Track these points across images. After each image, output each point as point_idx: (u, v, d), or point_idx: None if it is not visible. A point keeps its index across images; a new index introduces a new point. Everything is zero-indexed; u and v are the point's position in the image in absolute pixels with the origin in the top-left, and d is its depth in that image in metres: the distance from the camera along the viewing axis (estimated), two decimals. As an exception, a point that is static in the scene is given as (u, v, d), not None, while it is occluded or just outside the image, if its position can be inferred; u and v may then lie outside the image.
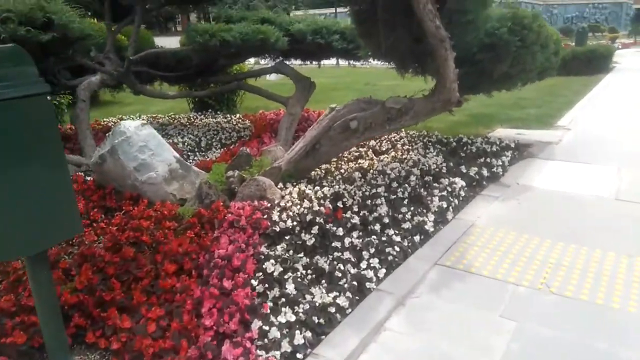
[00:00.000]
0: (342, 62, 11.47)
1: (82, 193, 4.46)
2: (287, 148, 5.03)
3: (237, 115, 8.27)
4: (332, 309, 2.59)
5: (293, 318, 2.51)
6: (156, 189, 4.19)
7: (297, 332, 2.39)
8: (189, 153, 5.99)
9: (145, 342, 2.35)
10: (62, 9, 4.74)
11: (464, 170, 4.86)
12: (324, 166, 5.08)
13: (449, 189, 4.31)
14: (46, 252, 2.23)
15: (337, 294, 2.76)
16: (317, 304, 2.60)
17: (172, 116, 8.36)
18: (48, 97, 2.07)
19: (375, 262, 3.12)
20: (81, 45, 5.23)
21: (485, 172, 4.87)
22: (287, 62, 6.97)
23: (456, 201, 4.19)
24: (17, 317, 2.54)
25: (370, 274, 2.96)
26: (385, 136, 6.47)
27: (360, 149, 5.83)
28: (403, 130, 6.73)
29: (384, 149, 5.84)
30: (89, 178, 4.70)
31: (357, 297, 2.82)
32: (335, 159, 5.40)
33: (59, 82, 6.34)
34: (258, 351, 2.29)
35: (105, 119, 8.19)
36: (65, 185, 2.18)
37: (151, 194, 4.21)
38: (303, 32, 6.17)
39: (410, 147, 5.82)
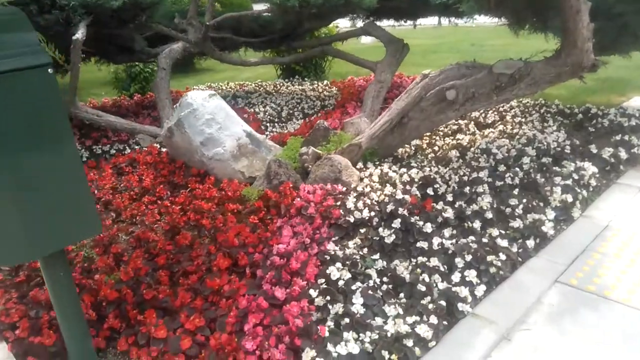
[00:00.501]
0: (444, 21, 10.33)
1: (154, 166, 4.22)
2: (373, 120, 4.37)
3: (325, 82, 7.70)
4: (409, 342, 1.97)
5: (356, 349, 1.94)
6: (223, 165, 3.80)
7: (360, 370, 1.83)
8: (268, 124, 5.56)
9: (175, 362, 1.94)
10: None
11: (594, 151, 3.86)
12: (413, 142, 4.35)
13: (575, 176, 3.39)
14: (62, 253, 1.86)
15: (418, 317, 2.13)
16: (388, 334, 2.00)
17: (259, 84, 8.01)
18: (50, 70, 1.65)
19: (472, 274, 2.42)
20: (154, 11, 4.93)
21: (622, 154, 3.82)
22: (380, 23, 6.21)
23: (584, 192, 3.28)
24: (44, 314, 2.26)
25: (464, 291, 2.28)
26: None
27: (460, 121, 4.98)
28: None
29: (489, 122, 4.93)
30: (164, 150, 4.45)
31: (444, 322, 2.17)
32: (428, 134, 4.64)
33: (142, 50, 6.21)
34: (307, 394, 1.77)
35: (195, 87, 8.09)
36: (77, 177, 1.78)
37: (218, 171, 3.83)
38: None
39: (523, 120, 4.85)
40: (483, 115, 5.13)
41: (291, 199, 3.25)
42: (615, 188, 3.46)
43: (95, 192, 3.87)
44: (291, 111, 5.96)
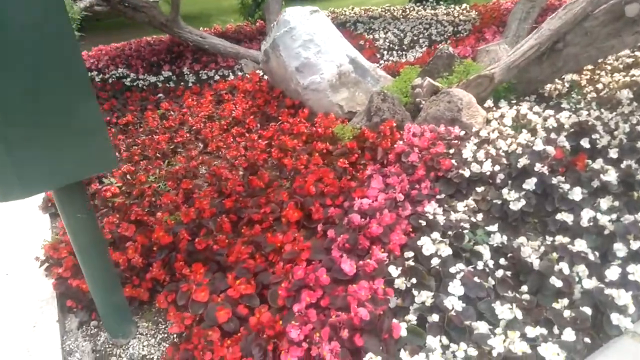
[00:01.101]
0: None
1: (252, 95, 3.84)
2: (515, 47, 3.41)
3: (463, 6, 6.55)
4: (525, 367, 1.31)
5: (442, 365, 1.34)
6: (319, 97, 3.24)
7: (442, 399, 1.23)
8: (385, 52, 4.81)
9: (205, 336, 1.53)
10: None
11: None
12: (568, 77, 3.32)
13: None
14: (78, 190, 1.51)
15: (545, 330, 1.43)
16: (494, 353, 1.35)
17: (386, 8, 7.13)
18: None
19: (639, 271, 1.61)
20: None
21: None
22: None
23: None
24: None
25: (623, 296, 1.50)
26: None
27: (637, 53, 3.73)
28: None
29: (683, 54, 3.61)
30: (266, 77, 4.03)
31: (585, 340, 1.45)
32: (589, 66, 3.53)
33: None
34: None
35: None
36: (88, 105, 1.39)
37: (313, 103, 3.29)
38: None
39: None
40: (675, 44, 3.78)
41: (391, 141, 2.61)
42: None
43: (190, 119, 3.62)
44: (415, 38, 5.10)
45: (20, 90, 1.26)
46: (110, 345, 1.76)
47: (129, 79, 4.56)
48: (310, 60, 3.20)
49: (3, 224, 2.59)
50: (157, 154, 3.13)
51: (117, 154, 3.12)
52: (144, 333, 1.80)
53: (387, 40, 5.08)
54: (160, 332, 1.80)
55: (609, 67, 3.55)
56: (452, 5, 6.68)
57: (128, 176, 2.80)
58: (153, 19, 3.98)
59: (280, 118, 3.28)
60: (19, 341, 1.74)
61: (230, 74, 4.63)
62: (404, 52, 4.77)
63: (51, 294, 2.00)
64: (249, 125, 3.36)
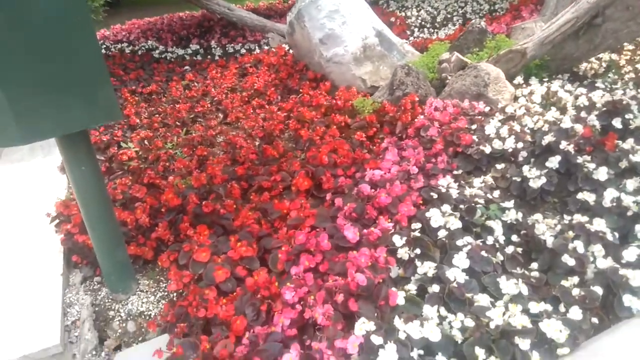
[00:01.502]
0: None
1: (276, 68, 3.80)
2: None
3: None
4: (525, 343, 1.23)
5: (437, 336, 1.27)
6: (342, 70, 3.17)
7: (434, 368, 1.18)
8: (416, 29, 4.66)
9: (201, 294, 1.52)
10: None
11: None
12: (606, 57, 3.13)
13: None
14: (82, 139, 1.51)
15: (550, 306, 1.35)
16: (492, 324, 1.28)
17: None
18: None
19: (660, 254, 1.50)
20: None
21: None
22: None
23: None
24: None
25: (637, 277, 1.40)
26: None
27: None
28: None
29: None
30: (291, 51, 3.98)
31: (593, 320, 1.36)
32: (630, 46, 3.32)
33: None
34: (345, 383, 1.20)
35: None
36: (93, 57, 1.37)
37: (336, 76, 3.22)
38: None
39: None
40: None
41: (412, 115, 2.52)
42: None
43: (212, 90, 3.61)
44: (449, 15, 4.92)
45: (21, 36, 1.25)
46: (109, 300, 1.77)
47: (157, 51, 4.60)
48: (334, 31, 3.12)
49: (25, 183, 2.66)
50: (177, 123, 3.14)
51: (137, 120, 3.14)
52: (145, 290, 1.81)
53: (420, 17, 4.92)
54: (161, 290, 1.81)
55: (653, 47, 3.33)
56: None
57: (146, 142, 2.82)
58: (182, -12, 3.97)
59: (301, 91, 3.23)
60: (23, 291, 1.78)
61: (257, 48, 4.60)
62: (435, 30, 4.62)
63: (59, 249, 2.03)
64: (270, 98, 3.33)
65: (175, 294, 1.76)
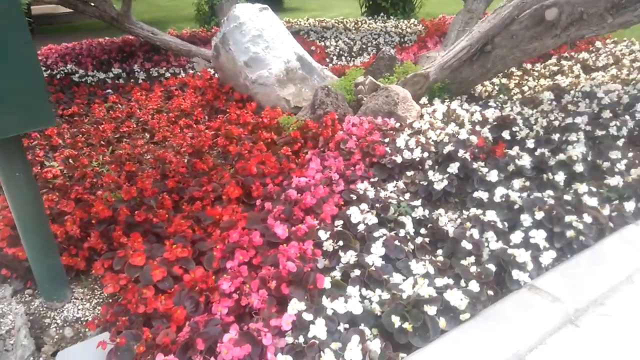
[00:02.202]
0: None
1: (202, 91, 3.91)
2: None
3: (412, 20, 6.91)
4: (432, 309, 1.45)
5: (359, 309, 1.46)
6: (267, 91, 3.37)
7: (357, 338, 1.35)
8: (335, 57, 5.01)
9: (140, 293, 1.60)
10: None
11: None
12: (498, 80, 3.60)
13: None
14: (15, 144, 1.56)
15: (451, 281, 1.59)
16: (404, 295, 1.49)
17: (339, 20, 7.40)
18: None
19: (539, 235, 1.80)
20: None
21: None
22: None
23: None
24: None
25: (523, 255, 1.69)
26: (604, 48, 4.50)
27: (564, 62, 4.10)
28: (636, 42, 4.63)
29: (600, 65, 3.99)
30: (216, 75, 4.12)
31: (489, 292, 1.61)
32: (519, 73, 3.85)
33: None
34: (279, 356, 1.33)
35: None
36: (29, 64, 1.43)
37: (262, 97, 3.41)
38: None
39: (645, 65, 3.86)
40: (593, 57, 4.17)
41: (332, 131, 2.76)
42: None
43: (138, 112, 3.65)
44: (364, 46, 5.34)
45: None
46: (44, 309, 1.78)
47: (77, 75, 4.54)
48: (259, 55, 3.32)
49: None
50: (102, 142, 3.14)
51: (60, 141, 3.11)
52: (80, 298, 1.83)
53: (338, 47, 5.29)
54: (96, 297, 1.84)
55: (535, 74, 3.88)
56: (402, 20, 7.01)
57: (70, 160, 2.81)
58: (104, 13, 4.00)
59: (228, 111, 3.38)
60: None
61: (182, 72, 4.69)
62: (352, 58, 4.98)
63: (-15, 265, 1.99)
64: (197, 117, 3.43)
65: (111, 299, 1.80)
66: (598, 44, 4.66)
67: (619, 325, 1.47)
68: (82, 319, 1.75)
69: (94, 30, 5.23)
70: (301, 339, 1.39)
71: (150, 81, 4.52)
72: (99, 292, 1.87)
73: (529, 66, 4.01)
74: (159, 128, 3.30)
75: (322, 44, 5.53)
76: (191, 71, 4.64)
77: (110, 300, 1.77)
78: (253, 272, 1.64)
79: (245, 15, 3.37)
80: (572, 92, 3.21)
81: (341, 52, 5.20)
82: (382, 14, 7.50)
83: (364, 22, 7.15)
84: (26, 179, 1.61)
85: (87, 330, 1.68)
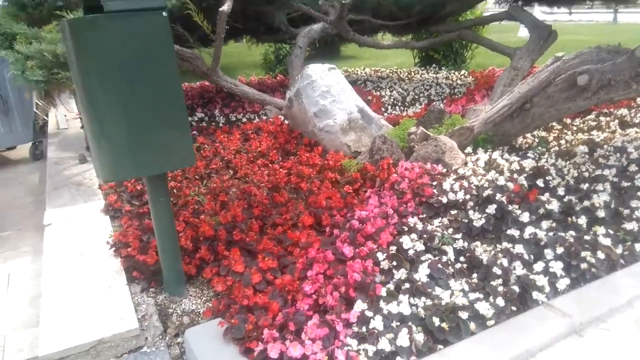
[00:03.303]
0: (623, 17, 9.18)
1: (275, 135, 4.56)
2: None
3: (462, 72, 7.42)
4: (464, 315, 1.90)
5: (408, 311, 1.94)
6: (332, 137, 3.96)
7: (406, 330, 1.82)
8: (389, 107, 5.58)
9: (243, 291, 2.15)
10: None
11: None
12: (539, 133, 4.03)
13: None
14: (163, 178, 2.18)
15: (481, 295, 2.04)
16: (443, 303, 1.96)
17: (393, 70, 8.03)
18: (164, 14, 1.92)
19: (557, 266, 2.22)
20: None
21: None
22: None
23: None
24: (153, 239, 2.64)
25: (542, 280, 2.11)
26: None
27: (602, 118, 4.46)
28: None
29: (637, 121, 4.32)
30: (286, 122, 4.78)
31: (512, 308, 2.04)
32: (559, 127, 4.25)
33: (285, 30, 6.65)
34: (348, 339, 1.83)
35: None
36: (179, 114, 2.06)
37: (327, 143, 4.00)
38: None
39: (682, 122, 4.16)
40: (632, 113, 4.51)
41: (388, 173, 3.28)
42: None
43: (222, 151, 4.33)
44: (417, 96, 5.89)
45: (139, 106, 1.94)
46: (168, 301, 2.36)
47: (168, 117, 5.33)
48: (326, 107, 3.94)
49: (76, 223, 3.24)
50: (196, 177, 3.81)
51: (163, 173, 3.81)
52: (193, 295, 2.41)
53: (392, 97, 5.87)
54: (205, 295, 2.41)
55: (574, 128, 4.27)
56: (453, 71, 7.53)
57: (174, 190, 3.47)
58: (197, 68, 4.78)
59: (298, 153, 3.98)
60: (98, 297, 2.35)
61: (256, 117, 5.39)
62: (405, 108, 5.54)
63: (119, 268, 2.61)
64: (272, 158, 4.06)
65: (216, 297, 2.36)
66: (639, 100, 4.97)
67: (616, 338, 1.86)
68: (195, 310, 2.31)
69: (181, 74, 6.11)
70: (364, 329, 1.88)
71: (229, 125, 5.24)
72: (206, 292, 2.44)
73: (568, 121, 4.40)
74: (240, 166, 3.94)
75: (378, 93, 6.13)
76: (264, 117, 5.33)
77: (218, 296, 2.33)
78: (326, 280, 2.16)
79: (317, 74, 4.01)
80: (605, 146, 3.59)
81: (395, 101, 5.77)
82: (434, 65, 8.05)
83: (416, 72, 7.73)
84: (166, 204, 2.23)
85: (200, 318, 2.24)
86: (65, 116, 6.30)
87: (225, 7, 4.42)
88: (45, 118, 5.79)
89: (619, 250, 2.37)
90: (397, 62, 10.05)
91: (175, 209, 3.16)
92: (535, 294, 2.09)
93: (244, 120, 5.35)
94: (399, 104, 5.70)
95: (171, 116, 2.03)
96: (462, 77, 6.94)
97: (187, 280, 2.51)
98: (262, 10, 5.45)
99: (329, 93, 3.98)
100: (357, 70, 8.27)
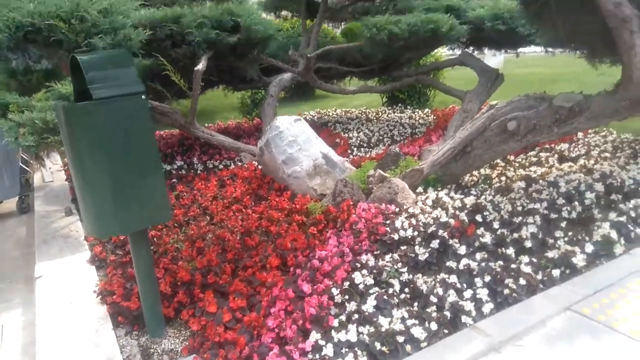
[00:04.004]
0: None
1: (249, 180, 4.94)
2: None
3: (425, 111, 7.97)
4: (401, 338, 2.27)
5: (355, 338, 2.29)
6: (300, 182, 4.36)
7: (352, 355, 2.17)
8: (356, 148, 6.04)
9: (215, 329, 2.48)
10: (247, 11, 5.26)
11: (676, 191, 3.65)
12: (484, 171, 4.49)
13: (633, 214, 3.30)
14: (145, 232, 2.54)
15: (417, 321, 2.41)
16: (383, 330, 2.32)
17: (362, 111, 8.56)
18: (143, 97, 2.31)
19: (483, 292, 2.61)
20: (265, 46, 5.74)
21: None
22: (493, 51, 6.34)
23: (638, 231, 3.18)
24: (135, 286, 2.96)
25: (469, 305, 2.49)
26: (584, 138, 5.35)
27: (542, 154, 4.96)
28: (613, 131, 5.47)
29: (573, 155, 4.83)
30: (260, 167, 5.17)
31: (444, 331, 2.41)
32: (503, 164, 4.73)
33: (259, 79, 7.14)
34: (304, 366, 2.17)
35: (306, 113, 8.89)
36: (157, 178, 2.43)
37: (295, 187, 4.40)
38: (481, 18, 5.50)
39: (611, 155, 4.67)
40: (572, 148, 5.02)
41: (347, 215, 3.67)
42: (683, 229, 3.26)
43: (200, 198, 4.69)
44: (381, 137, 6.37)
45: (121, 170, 2.31)
46: (149, 342, 2.67)
47: (149, 166, 5.69)
48: (293, 155, 4.35)
49: (65, 274, 3.54)
50: (175, 224, 4.16)
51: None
52: (172, 335, 2.72)
53: (359, 138, 6.33)
54: (182, 335, 2.73)
55: (516, 164, 4.74)
56: (417, 110, 8.08)
57: (155, 239, 3.81)
58: (175, 121, 5.19)
59: (269, 198, 4.36)
60: (88, 340, 2.65)
61: (232, 163, 5.79)
62: (370, 149, 6.00)
63: (105, 314, 2.93)
64: (246, 203, 4.43)
65: (193, 336, 2.68)
66: (580, 134, 5.51)
67: (528, 353, 2.23)
68: (174, 349, 2.63)
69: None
70: (317, 356, 2.23)
71: (207, 172, 5.62)
72: (184, 332, 2.76)
73: (512, 158, 4.89)
74: (216, 212, 4.30)
75: (346, 135, 6.60)
76: (239, 163, 5.72)
77: (194, 335, 2.66)
78: (287, 316, 2.51)
79: (284, 125, 4.44)
80: (540, 181, 4.05)
81: (362, 142, 6.24)
82: (399, 104, 8.61)
83: (383, 112, 8.27)
84: (147, 254, 2.57)
85: (179, 356, 2.56)
86: (50, 169, 6.61)
87: (200, 66, 4.89)
88: (31, 172, 6.09)
89: (540, 276, 2.78)
90: (368, 100, 10.60)
91: (155, 256, 3.50)
92: (464, 318, 2.47)
93: (221, 167, 5.74)
94: (365, 145, 6.16)
95: (150, 179, 2.40)
96: (425, 115, 7.47)
97: (166, 322, 2.83)
98: (235, 65, 5.92)
99: (296, 142, 4.41)
100: (328, 112, 8.78)
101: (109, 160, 2.26)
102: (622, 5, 2.80)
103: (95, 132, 2.22)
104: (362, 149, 6.02)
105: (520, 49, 6.68)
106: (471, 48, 6.93)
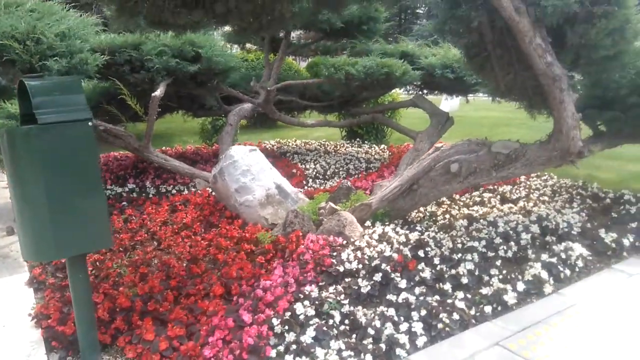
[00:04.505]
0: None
1: (201, 207, 4.94)
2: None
3: (382, 146, 8.21)
4: (335, 371, 2.32)
5: (291, 370, 2.33)
6: (251, 211, 4.40)
7: (286, 386, 2.20)
8: (311, 180, 6.14)
9: (151, 358, 2.45)
10: (209, 43, 5.38)
11: (602, 235, 3.91)
12: (431, 208, 4.66)
13: (563, 255, 3.51)
14: (83, 258, 2.51)
15: (352, 353, 2.46)
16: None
17: (322, 143, 8.72)
18: (90, 124, 2.34)
19: (418, 326, 2.70)
20: (225, 77, 5.84)
21: (628, 240, 3.83)
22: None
23: (567, 272, 3.39)
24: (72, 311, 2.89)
25: (404, 338, 2.58)
26: (526, 181, 5.66)
27: (486, 194, 5.20)
28: (554, 176, 5.82)
29: (514, 197, 5.09)
30: (213, 194, 5.18)
31: (380, 364, 2.48)
32: (448, 202, 4.93)
33: (220, 107, 7.21)
34: (237, 396, 2.18)
35: (265, 142, 8.97)
36: (99, 204, 2.43)
37: (247, 216, 4.43)
38: (432, 66, 5.83)
39: (549, 199, 4.96)
40: (513, 190, 5.30)
41: (296, 245, 3.72)
42: (606, 272, 3.50)
43: (148, 223, 4.64)
44: (337, 170, 6.51)
45: (61, 194, 2.30)
46: (83, 369, 2.61)
47: (100, 188, 5.59)
48: (246, 184, 4.40)
49: (0, 296, 3.41)
50: (120, 249, 4.09)
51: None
52: (107, 362, 2.67)
53: (315, 170, 6.45)
54: (118, 362, 2.68)
55: (461, 203, 4.96)
56: (374, 145, 8.31)
57: (97, 263, 3.73)
58: (129, 144, 5.15)
59: (220, 225, 4.37)
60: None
61: (185, 189, 5.76)
62: (325, 181, 6.11)
63: (39, 338, 2.83)
64: (195, 230, 4.41)
65: (128, 363, 2.64)
66: (523, 177, 5.82)
67: (455, 384, 2.33)
68: (108, 377, 2.58)
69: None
70: (252, 386, 2.24)
71: (159, 196, 5.56)
72: (119, 359, 2.71)
73: (457, 196, 5.11)
74: (165, 238, 4.26)
75: (303, 166, 6.70)
76: (193, 189, 5.71)
77: (129, 363, 2.61)
78: (225, 345, 2.51)
79: (238, 154, 4.50)
80: (481, 220, 4.25)
81: (318, 174, 6.35)
82: (358, 139, 8.83)
83: (342, 145, 8.46)
84: (84, 279, 2.53)
85: (112, 383, 2.51)
86: (-6, 185, 6.37)
87: (158, 93, 4.92)
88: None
89: (473, 311, 2.90)
90: (328, 133, 10.80)
91: (96, 281, 3.43)
92: (399, 350, 2.55)
93: (174, 191, 5.70)
94: (321, 177, 6.27)
95: (90, 205, 2.39)
96: (381, 151, 7.70)
97: (102, 349, 2.77)
98: (195, 92, 5.98)
99: (249, 172, 4.46)
100: (288, 142, 8.89)
101: (49, 184, 2.26)
102: (553, 65, 3.07)
103: (37, 155, 2.21)
104: (317, 180, 6.13)
105: (473, 95, 7.09)
106: (425, 91, 7.26)
